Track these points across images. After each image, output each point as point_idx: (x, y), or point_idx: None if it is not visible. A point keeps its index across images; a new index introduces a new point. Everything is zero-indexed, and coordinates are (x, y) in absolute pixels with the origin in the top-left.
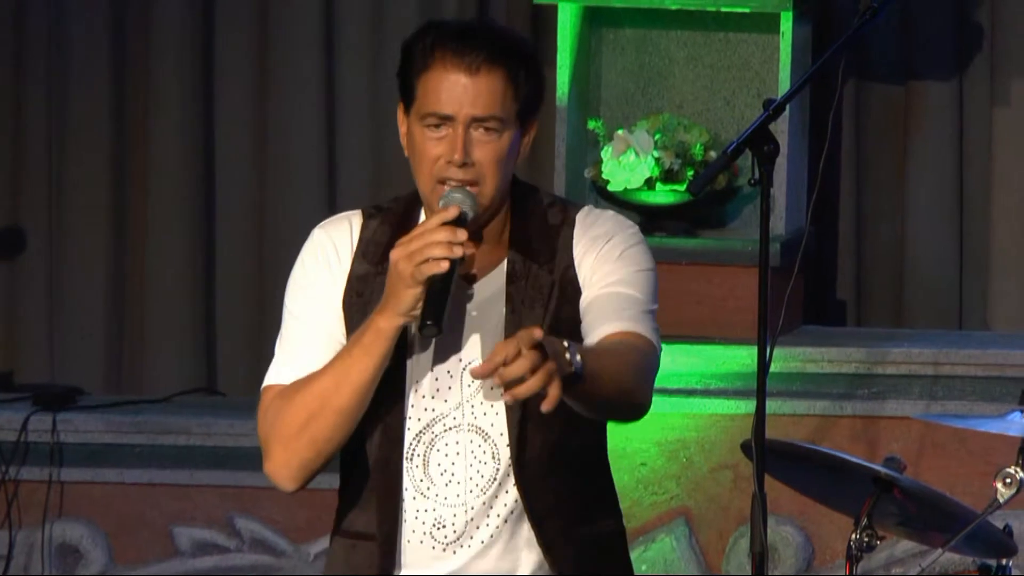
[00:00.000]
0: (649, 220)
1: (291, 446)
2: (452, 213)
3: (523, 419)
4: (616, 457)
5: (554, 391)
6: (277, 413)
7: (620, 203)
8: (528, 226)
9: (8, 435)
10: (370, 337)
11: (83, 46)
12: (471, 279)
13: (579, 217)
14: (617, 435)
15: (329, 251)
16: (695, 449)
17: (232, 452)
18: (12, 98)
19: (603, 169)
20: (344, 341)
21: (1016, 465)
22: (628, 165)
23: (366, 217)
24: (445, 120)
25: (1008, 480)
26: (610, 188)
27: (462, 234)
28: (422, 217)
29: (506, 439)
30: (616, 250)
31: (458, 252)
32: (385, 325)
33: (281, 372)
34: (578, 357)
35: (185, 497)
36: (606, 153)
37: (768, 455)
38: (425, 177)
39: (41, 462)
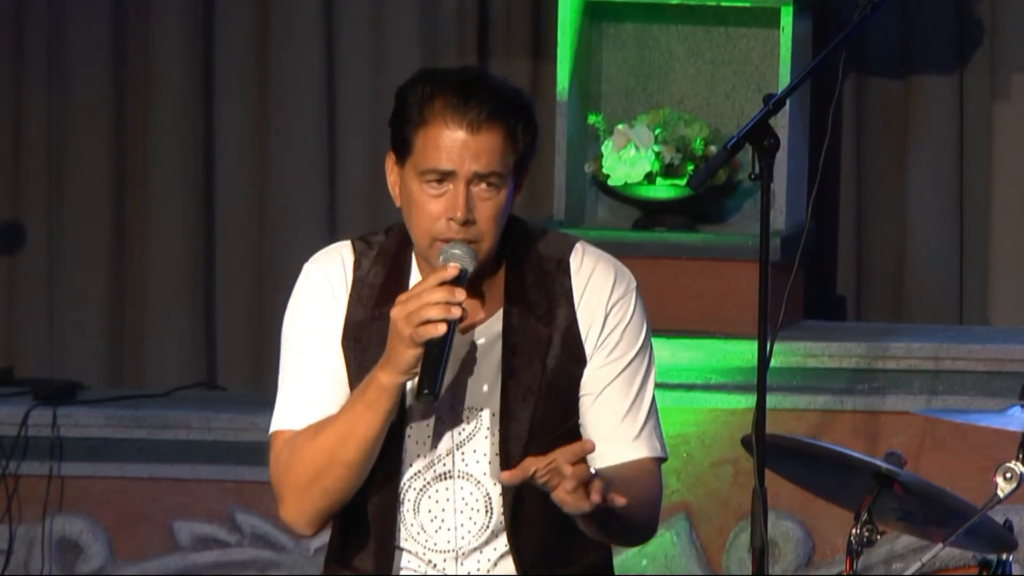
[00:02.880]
0: (649, 214)
1: (304, 497)
2: (451, 273)
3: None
4: None
5: (582, 504)
6: (287, 464)
7: (620, 197)
8: (524, 274)
9: (8, 430)
10: (374, 393)
11: (83, 42)
12: (466, 327)
13: (573, 264)
14: None
15: (325, 289)
16: (695, 444)
17: (232, 447)
18: (12, 94)
19: (603, 163)
20: (346, 379)
21: (1016, 460)
22: (628, 159)
23: (357, 253)
24: (446, 176)
25: (1008, 475)
26: (610, 182)
27: (460, 293)
28: (413, 261)
29: (499, 489)
30: (615, 340)
31: (456, 312)
32: (387, 382)
33: (288, 416)
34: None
35: (185, 492)
36: (606, 147)
37: (768, 450)
38: (422, 233)
39: (41, 457)
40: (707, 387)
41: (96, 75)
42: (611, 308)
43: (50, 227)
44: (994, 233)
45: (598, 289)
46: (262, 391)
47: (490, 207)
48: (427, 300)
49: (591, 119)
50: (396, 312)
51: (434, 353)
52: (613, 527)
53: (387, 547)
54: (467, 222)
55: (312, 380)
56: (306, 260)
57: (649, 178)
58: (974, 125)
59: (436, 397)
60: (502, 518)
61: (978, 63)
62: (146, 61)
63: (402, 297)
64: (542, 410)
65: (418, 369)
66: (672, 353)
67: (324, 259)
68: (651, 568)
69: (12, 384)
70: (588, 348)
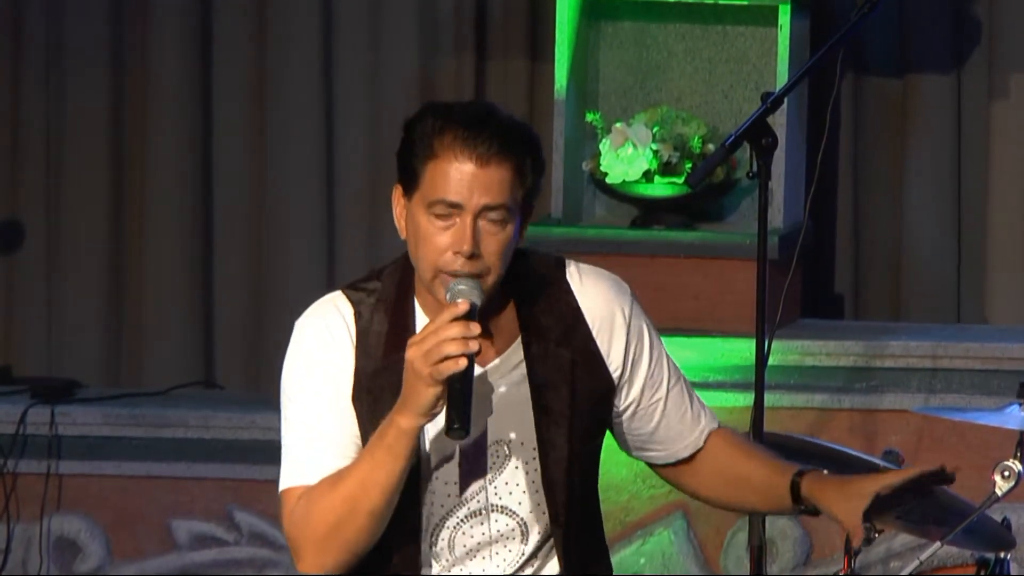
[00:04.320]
0: (647, 213)
1: (324, 549)
2: (463, 308)
3: (570, 501)
4: (615, 451)
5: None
6: (305, 517)
7: (618, 195)
8: (532, 301)
9: (6, 428)
10: (392, 438)
11: (82, 41)
12: (483, 360)
13: (572, 283)
14: None
15: (327, 340)
16: None
17: (230, 445)
18: (10, 92)
19: (601, 162)
20: (357, 432)
21: (1014, 458)
22: (626, 158)
23: (354, 303)
24: (454, 208)
25: (1006, 473)
26: (608, 181)
27: (475, 327)
28: (416, 303)
29: (535, 516)
30: (646, 348)
31: (474, 346)
32: (407, 425)
33: (300, 472)
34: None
35: (183, 490)
36: (604, 146)
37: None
38: (427, 265)
39: (39, 455)
40: (705, 386)
41: (95, 75)
42: (629, 325)
43: (49, 227)
44: (992, 232)
45: (608, 309)
46: (260, 390)
47: (496, 241)
48: (443, 336)
49: (589, 117)
50: (412, 352)
51: (457, 388)
52: None
53: None
54: (473, 255)
55: (322, 435)
56: (305, 259)
57: (647, 176)
58: (972, 124)
59: (467, 432)
60: (538, 544)
61: (976, 62)
62: (144, 61)
63: (416, 338)
64: (575, 432)
65: (437, 409)
66: (670, 352)
67: (320, 311)
68: (648, 567)
69: (10, 382)
70: (612, 366)
